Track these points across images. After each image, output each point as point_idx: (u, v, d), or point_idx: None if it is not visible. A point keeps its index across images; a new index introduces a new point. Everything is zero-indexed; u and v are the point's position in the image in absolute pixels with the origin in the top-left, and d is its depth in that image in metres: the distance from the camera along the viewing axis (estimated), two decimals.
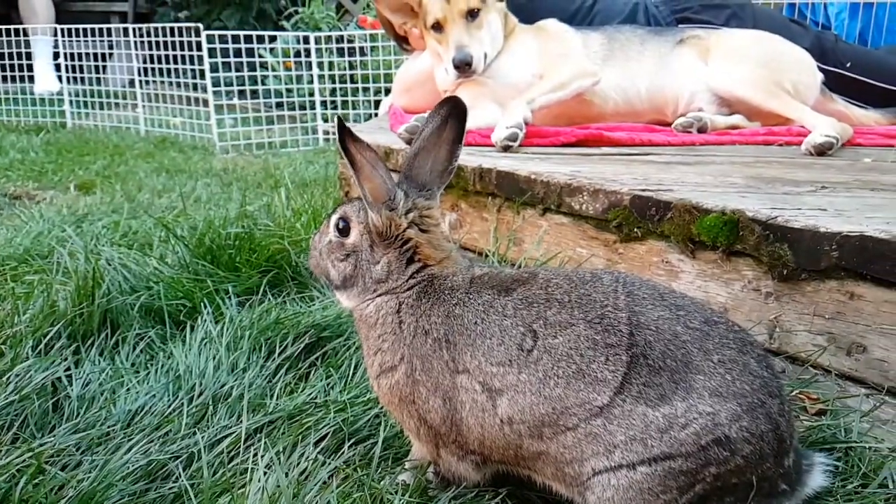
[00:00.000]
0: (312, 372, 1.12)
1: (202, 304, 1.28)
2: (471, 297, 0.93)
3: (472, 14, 2.33)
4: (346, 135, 0.92)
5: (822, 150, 1.98)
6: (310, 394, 1.05)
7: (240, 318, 1.21)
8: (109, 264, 1.38)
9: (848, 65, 2.67)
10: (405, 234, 0.97)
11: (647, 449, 0.80)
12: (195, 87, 4.16)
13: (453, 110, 0.98)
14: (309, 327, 1.19)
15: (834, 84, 2.60)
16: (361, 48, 4.27)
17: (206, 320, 1.21)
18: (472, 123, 2.27)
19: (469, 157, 1.92)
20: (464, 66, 2.29)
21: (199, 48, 3.93)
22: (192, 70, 4.04)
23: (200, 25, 3.87)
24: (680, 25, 2.75)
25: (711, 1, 2.88)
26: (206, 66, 3.81)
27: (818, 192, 1.51)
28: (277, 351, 1.12)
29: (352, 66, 4.34)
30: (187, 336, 1.18)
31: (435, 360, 0.90)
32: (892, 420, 1.13)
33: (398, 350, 0.92)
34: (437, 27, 2.36)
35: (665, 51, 2.47)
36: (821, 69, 2.53)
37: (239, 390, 1.02)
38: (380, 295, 0.95)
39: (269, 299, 1.37)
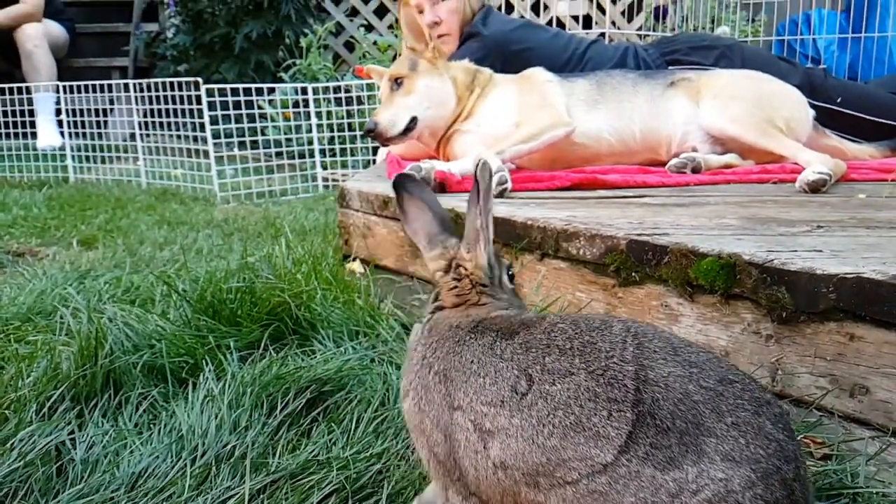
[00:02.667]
0: (314, 428, 1.12)
1: (204, 361, 1.29)
2: (473, 337, 0.94)
3: (397, 82, 2.42)
4: (401, 191, 1.09)
5: (816, 188, 2.01)
6: (312, 451, 1.05)
7: (241, 375, 1.22)
8: (112, 322, 1.40)
9: (839, 100, 2.73)
10: (434, 275, 1.06)
11: None
12: (195, 139, 4.24)
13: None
14: (310, 382, 1.20)
15: (826, 119, 2.65)
16: (358, 97, 4.37)
17: (207, 378, 1.22)
18: (463, 170, 2.32)
19: (464, 204, 1.96)
20: (368, 133, 2.40)
21: (198, 101, 4.02)
22: (192, 123, 4.13)
23: (200, 80, 3.97)
24: (670, 68, 2.82)
25: (700, 42, 2.96)
26: (206, 119, 3.89)
27: (813, 231, 1.54)
28: (279, 407, 1.13)
29: (349, 115, 4.43)
30: (189, 394, 1.19)
31: (435, 392, 0.92)
32: None
33: (409, 376, 0.96)
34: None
35: (657, 93, 2.53)
36: (812, 105, 2.59)
37: (241, 449, 1.03)
38: (419, 320, 1.06)
39: (271, 353, 1.39)
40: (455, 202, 2.00)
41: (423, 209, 1.08)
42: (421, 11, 2.96)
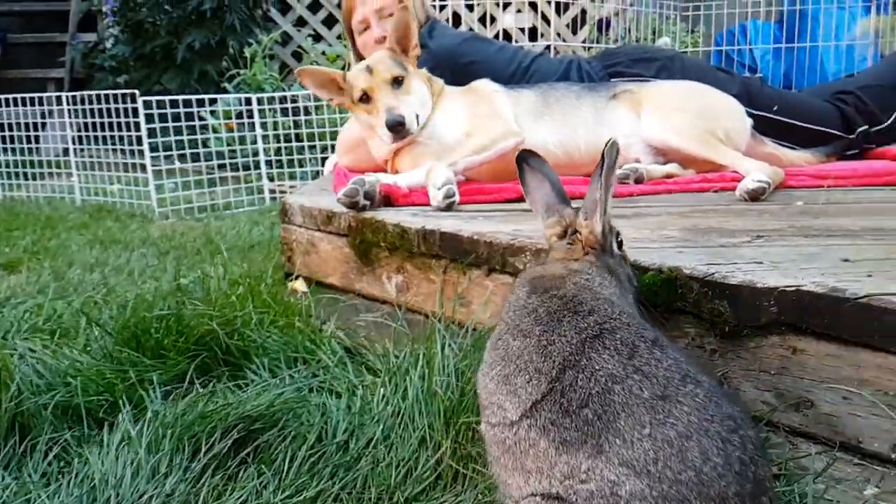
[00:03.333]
0: (243, 470, 1.03)
1: (123, 399, 1.19)
2: (522, 286, 1.12)
3: (396, 81, 2.36)
4: (522, 164, 1.26)
5: (755, 196, 2.02)
6: (240, 496, 0.97)
7: (163, 414, 1.12)
8: (22, 359, 1.28)
9: (775, 108, 2.77)
10: (550, 240, 1.27)
11: (550, 486, 0.80)
12: (133, 153, 4.07)
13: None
14: (239, 419, 1.11)
15: (763, 127, 2.68)
16: (306, 107, 4.27)
17: (125, 418, 1.12)
18: (412, 183, 2.26)
19: (413, 219, 1.90)
20: (397, 127, 2.30)
21: (136, 114, 3.85)
22: (130, 136, 3.95)
23: (136, 92, 3.80)
24: (612, 80, 2.82)
25: (641, 55, 2.97)
26: (143, 132, 3.72)
27: (753, 242, 1.52)
28: (203, 449, 1.04)
29: (296, 125, 4.32)
30: (105, 437, 1.09)
31: None
32: (846, 478, 1.11)
33: None
34: (365, 98, 2.38)
35: (600, 105, 2.52)
36: (750, 113, 2.62)
37: (159, 500, 0.93)
38: None
39: (197, 388, 1.29)
40: (402, 216, 1.94)
41: (543, 181, 1.23)
42: (367, 27, 2.89)
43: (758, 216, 1.82)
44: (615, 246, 1.20)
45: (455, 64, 2.75)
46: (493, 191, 2.19)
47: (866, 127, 2.80)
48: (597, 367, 0.86)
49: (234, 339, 1.43)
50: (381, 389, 1.26)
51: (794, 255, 1.38)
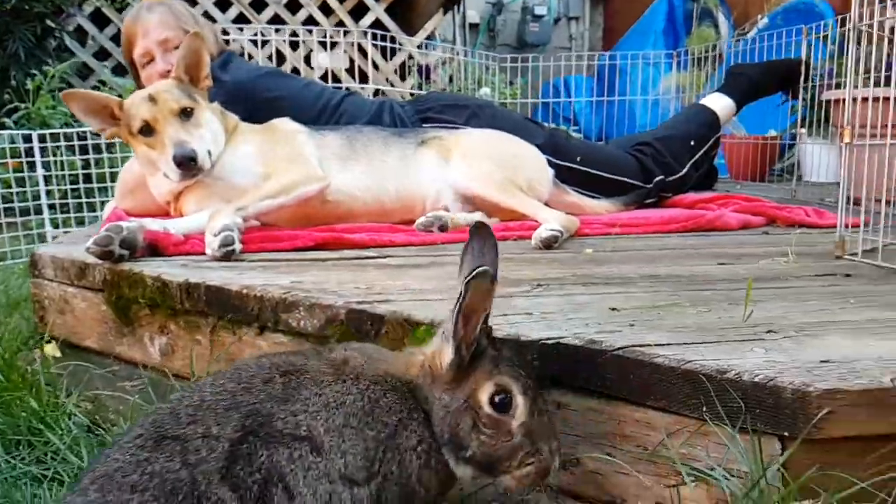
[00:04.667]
0: None
1: None
2: None
3: (185, 113, 2.19)
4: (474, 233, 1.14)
5: (548, 244, 2.08)
6: None
7: None
8: None
9: (579, 158, 2.93)
10: None
11: None
12: None
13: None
14: None
15: (568, 177, 2.82)
16: (98, 145, 3.90)
17: None
18: (190, 229, 2.08)
19: (177, 270, 1.72)
20: (188, 163, 2.12)
21: None
22: None
23: None
24: (424, 125, 2.84)
25: (453, 101, 3.04)
26: None
27: (532, 291, 1.53)
28: None
29: (87, 165, 3.92)
30: None
31: None
32: None
33: None
34: (147, 130, 2.18)
35: (409, 151, 2.52)
36: (555, 164, 2.75)
37: None
38: None
39: None
40: (166, 268, 1.75)
41: (476, 258, 1.14)
42: (151, 60, 2.69)
43: (547, 264, 1.85)
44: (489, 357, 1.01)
45: (253, 99, 2.63)
46: (287, 237, 2.07)
47: (662, 176, 3.04)
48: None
49: None
50: None
51: (564, 305, 1.39)
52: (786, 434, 0.97)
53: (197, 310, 1.64)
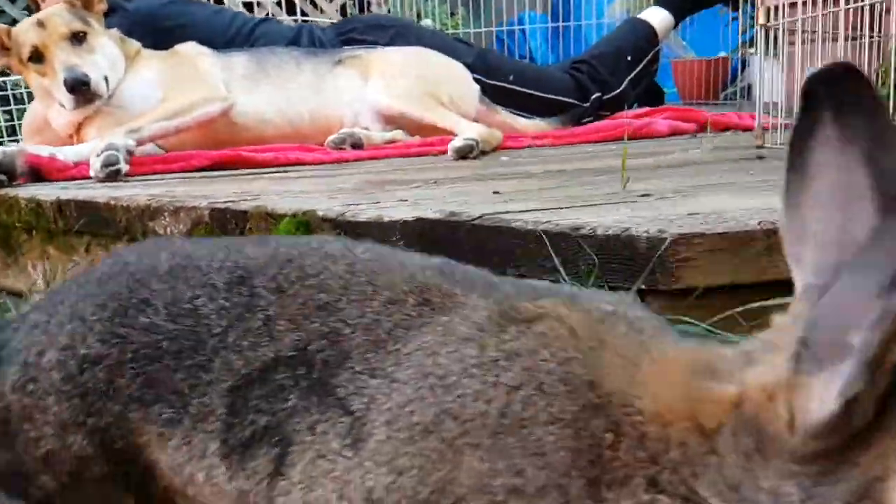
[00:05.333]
0: None
1: None
2: None
3: (77, 37, 2.08)
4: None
5: (463, 153, 1.99)
6: None
7: None
8: None
9: (511, 77, 2.82)
10: None
11: None
12: None
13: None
14: None
15: (500, 97, 2.72)
16: (20, 96, 3.73)
17: None
18: (81, 156, 1.97)
19: (55, 191, 1.63)
20: (80, 87, 2.01)
21: None
22: None
23: None
24: (345, 47, 2.72)
25: (376, 22, 2.92)
26: None
27: (422, 186, 1.45)
28: None
29: (10, 118, 3.76)
30: None
31: None
32: None
33: None
34: (37, 57, 2.07)
35: (323, 71, 2.41)
36: (486, 83, 2.65)
37: None
38: None
39: None
40: (44, 190, 1.66)
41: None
42: None
43: (455, 169, 1.77)
44: None
45: (157, 27, 2.50)
46: (182, 158, 1.97)
47: (599, 94, 2.95)
48: None
49: None
50: None
51: (447, 194, 1.31)
52: (643, 287, 0.91)
53: (71, 229, 1.55)
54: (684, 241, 0.88)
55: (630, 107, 3.11)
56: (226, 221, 1.30)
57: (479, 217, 1.03)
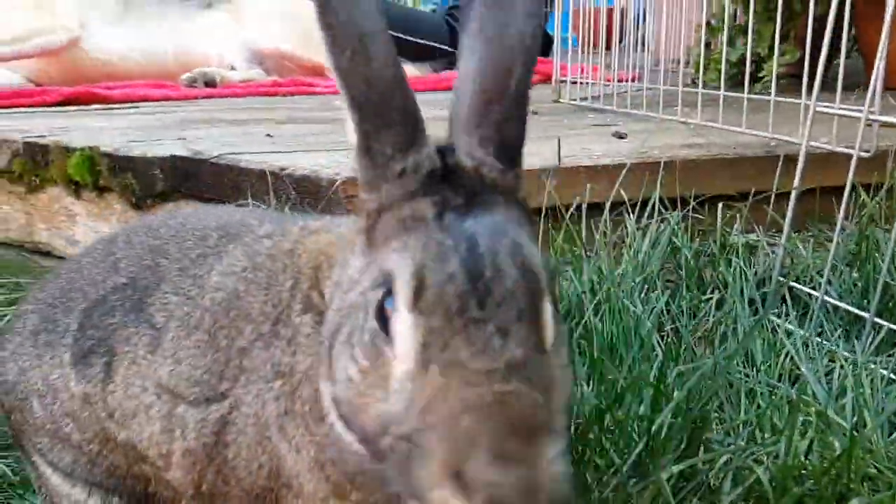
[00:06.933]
0: None
1: None
2: None
3: None
4: None
5: None
6: None
7: None
8: None
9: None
10: None
11: None
12: None
13: None
14: None
15: None
16: None
17: None
18: None
19: None
20: None
21: None
22: None
23: None
24: None
25: None
26: None
27: (219, 126, 1.68)
28: None
29: None
30: None
31: None
32: None
33: None
34: None
35: (191, 12, 2.58)
36: None
37: None
38: None
39: None
40: None
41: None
42: None
43: (276, 111, 1.99)
44: None
45: None
46: (36, 93, 2.15)
47: None
48: None
49: None
50: None
51: (228, 133, 1.55)
52: None
53: None
54: (352, 182, 1.15)
55: None
56: (34, 154, 1.52)
57: (217, 156, 1.28)
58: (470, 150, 0.49)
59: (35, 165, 1.53)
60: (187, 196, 1.34)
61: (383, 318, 0.45)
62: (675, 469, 0.61)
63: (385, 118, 0.49)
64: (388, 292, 0.45)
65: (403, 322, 0.45)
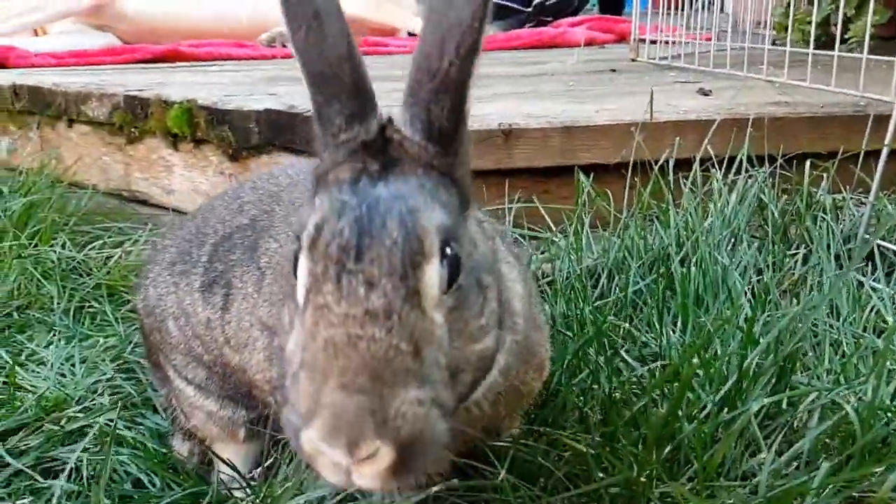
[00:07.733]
0: None
1: None
2: None
3: None
4: None
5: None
6: None
7: None
8: None
9: None
10: None
11: None
12: None
13: None
14: None
15: None
16: None
17: None
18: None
19: (13, 76, 1.94)
20: None
21: None
22: None
23: None
24: None
25: None
26: None
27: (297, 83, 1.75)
28: None
29: None
30: None
31: None
32: None
33: None
34: None
35: None
36: None
37: None
38: None
39: None
40: (16, 77, 1.97)
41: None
42: None
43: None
44: None
45: None
46: (127, 51, 2.27)
47: (541, 0, 3.14)
48: None
49: None
50: None
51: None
52: None
53: (26, 109, 1.88)
54: None
55: (576, 13, 3.31)
56: (134, 106, 1.62)
57: (310, 110, 1.35)
58: (401, 125, 0.53)
59: (135, 118, 1.64)
60: (281, 149, 1.42)
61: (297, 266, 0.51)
62: (766, 401, 0.65)
63: (335, 91, 0.53)
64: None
65: (300, 268, 0.50)
